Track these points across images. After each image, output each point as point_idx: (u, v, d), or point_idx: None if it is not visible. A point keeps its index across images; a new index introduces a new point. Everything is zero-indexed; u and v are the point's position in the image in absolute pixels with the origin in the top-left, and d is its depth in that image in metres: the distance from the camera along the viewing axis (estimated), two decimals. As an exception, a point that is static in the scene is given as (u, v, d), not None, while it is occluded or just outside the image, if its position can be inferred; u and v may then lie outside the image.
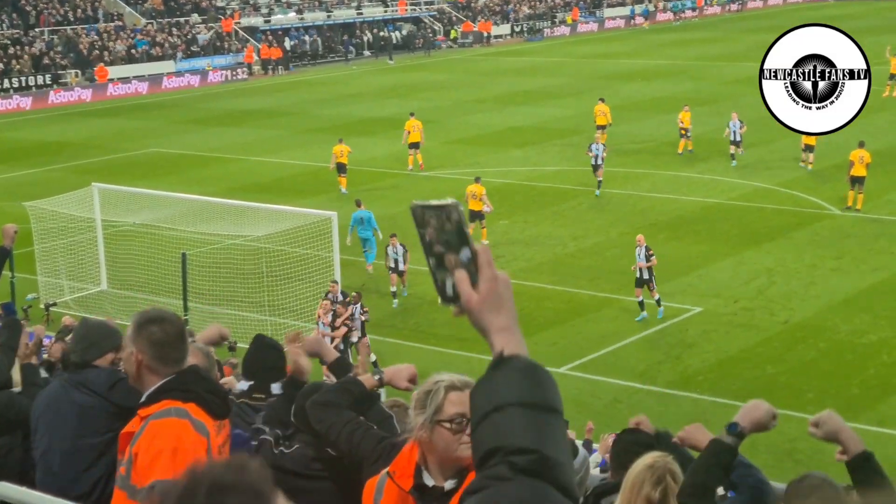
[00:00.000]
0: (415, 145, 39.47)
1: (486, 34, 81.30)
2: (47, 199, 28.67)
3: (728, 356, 22.27)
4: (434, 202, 2.38)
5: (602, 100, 43.48)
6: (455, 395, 4.27)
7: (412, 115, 40.58)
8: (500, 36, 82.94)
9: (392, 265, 26.16)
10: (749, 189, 34.53)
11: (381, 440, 5.08)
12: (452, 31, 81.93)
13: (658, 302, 24.39)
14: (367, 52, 76.15)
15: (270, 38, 72.42)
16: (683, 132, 40.00)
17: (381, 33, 77.92)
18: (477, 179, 30.77)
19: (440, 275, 2.35)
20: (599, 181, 34.40)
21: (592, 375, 21.43)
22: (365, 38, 77.54)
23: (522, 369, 2.26)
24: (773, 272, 27.15)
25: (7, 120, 54.63)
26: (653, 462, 4.80)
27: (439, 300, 2.42)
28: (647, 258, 24.48)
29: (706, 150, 40.21)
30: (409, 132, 39.54)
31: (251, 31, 73.83)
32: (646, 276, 24.41)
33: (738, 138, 37.61)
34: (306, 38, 75.28)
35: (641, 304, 24.34)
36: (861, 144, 32.03)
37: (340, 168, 36.71)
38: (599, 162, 34.22)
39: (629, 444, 6.44)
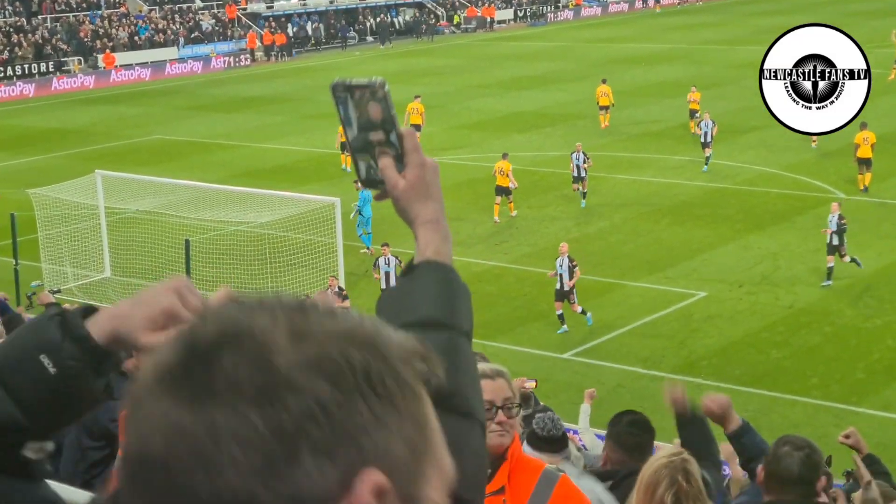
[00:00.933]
0: (416, 127, 39.59)
1: (489, 19, 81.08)
2: (51, 186, 28.66)
3: (732, 341, 22.24)
4: (358, 80, 2.14)
5: (604, 80, 43.63)
6: (484, 382, 4.25)
7: (417, 97, 40.82)
8: (504, 21, 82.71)
9: (383, 279, 23.67)
10: (753, 173, 34.45)
11: None
12: (455, 17, 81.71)
13: (583, 312, 23.06)
14: (369, 38, 75.98)
15: (273, 24, 72.30)
16: (691, 113, 40.21)
17: (385, 18, 77.75)
18: (504, 156, 31.43)
19: (361, 158, 2.13)
20: (584, 193, 31.21)
21: (596, 361, 21.41)
22: (368, 24, 77.37)
23: (436, 279, 1.96)
24: (777, 256, 27.09)
25: (10, 107, 54.59)
26: (668, 462, 4.76)
27: (358, 183, 2.22)
28: (571, 271, 22.86)
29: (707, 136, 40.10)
30: (409, 114, 39.71)
31: (254, 17, 73.72)
32: (566, 288, 22.82)
33: (709, 139, 34.78)
34: (309, 24, 75.14)
35: (561, 317, 22.95)
36: (863, 126, 31.95)
37: (345, 146, 36.99)
38: (582, 174, 31.21)
39: (628, 426, 6.42)
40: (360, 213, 28.39)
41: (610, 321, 23.45)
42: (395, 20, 78.46)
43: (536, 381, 14.26)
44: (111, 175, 29.47)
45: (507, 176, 30.46)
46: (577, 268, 23.03)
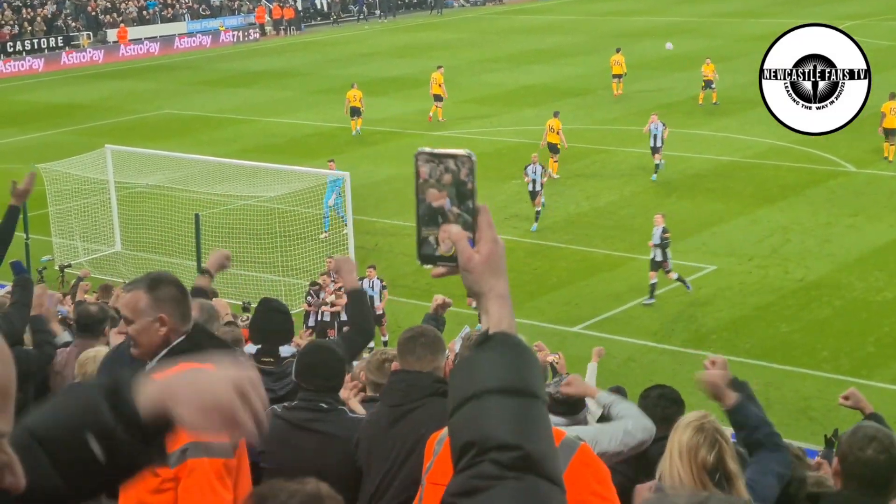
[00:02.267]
0: (437, 97, 40.12)
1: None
2: (61, 160, 28.69)
3: (742, 315, 22.23)
4: (445, 150, 2.18)
5: (618, 49, 44.31)
6: None
7: (439, 67, 41.44)
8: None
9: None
10: (764, 147, 34.33)
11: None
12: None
13: (679, 279, 23.13)
14: (378, 12, 75.69)
15: (282, -3, 72.09)
16: (704, 85, 40.19)
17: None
18: (556, 114, 32.65)
19: (428, 231, 2.16)
20: (538, 211, 27.91)
21: (606, 334, 21.41)
22: (377, -2, 77.08)
23: (509, 349, 2.10)
24: (787, 230, 27.03)
25: (20, 82, 54.60)
26: (700, 424, 4.74)
27: (418, 258, 2.21)
28: (664, 243, 22.72)
29: (721, 107, 40.00)
30: (432, 84, 40.44)
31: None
32: (658, 258, 22.81)
33: (658, 143, 31.43)
34: (318, -3, 74.93)
35: (653, 287, 22.99)
36: (892, 96, 31.87)
37: (354, 111, 38.78)
38: (538, 188, 27.74)
39: (657, 399, 6.42)
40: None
41: (620, 294, 23.45)
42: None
43: (560, 354, 14.35)
44: (121, 150, 29.49)
45: (558, 133, 31.65)
46: (668, 239, 22.86)
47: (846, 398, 6.60)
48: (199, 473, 4.37)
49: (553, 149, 31.84)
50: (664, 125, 31.51)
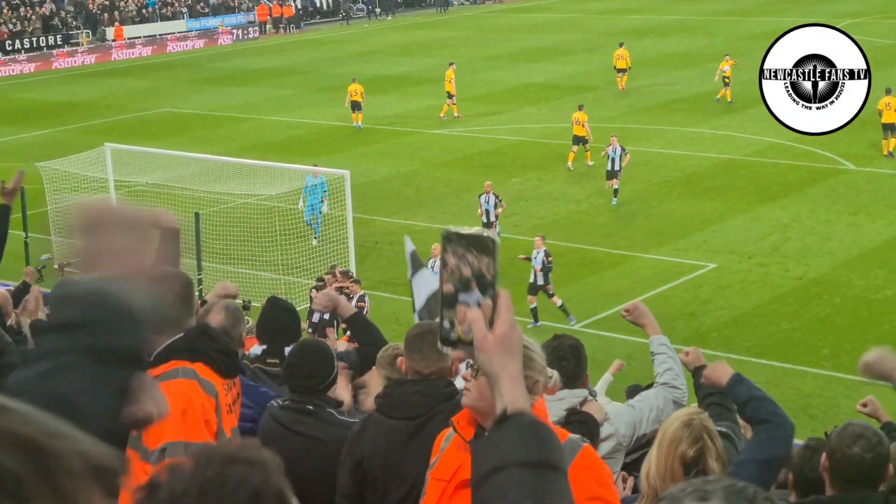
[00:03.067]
0: (448, 94, 40.40)
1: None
2: (60, 159, 28.69)
3: (742, 312, 22.21)
4: (470, 231, 2.24)
5: (622, 44, 44.66)
6: None
7: (451, 64, 41.72)
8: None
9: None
10: (764, 144, 34.31)
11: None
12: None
13: (563, 308, 22.36)
14: (378, 10, 75.61)
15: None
16: (727, 80, 40.18)
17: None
18: (580, 107, 33.48)
19: (449, 313, 2.23)
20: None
21: (607, 332, 21.39)
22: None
23: (527, 427, 2.21)
24: (788, 228, 27.02)
25: (18, 81, 54.57)
26: (689, 420, 4.76)
27: (439, 343, 2.29)
28: (545, 265, 22.06)
29: (721, 105, 40.00)
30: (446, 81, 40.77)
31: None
32: (539, 281, 22.14)
33: (616, 167, 29.19)
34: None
35: (534, 311, 22.28)
36: (888, 91, 31.90)
37: (355, 105, 39.44)
38: (492, 219, 25.84)
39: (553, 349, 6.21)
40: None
41: (621, 293, 23.42)
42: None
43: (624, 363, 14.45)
44: (120, 148, 29.47)
45: (584, 126, 32.44)
46: (551, 262, 22.07)
47: (864, 405, 6.72)
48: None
49: (580, 140, 32.69)
50: (623, 149, 29.16)
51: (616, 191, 29.40)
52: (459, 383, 6.02)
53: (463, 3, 79.55)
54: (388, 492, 5.36)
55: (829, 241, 25.96)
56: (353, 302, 21.58)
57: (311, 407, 5.83)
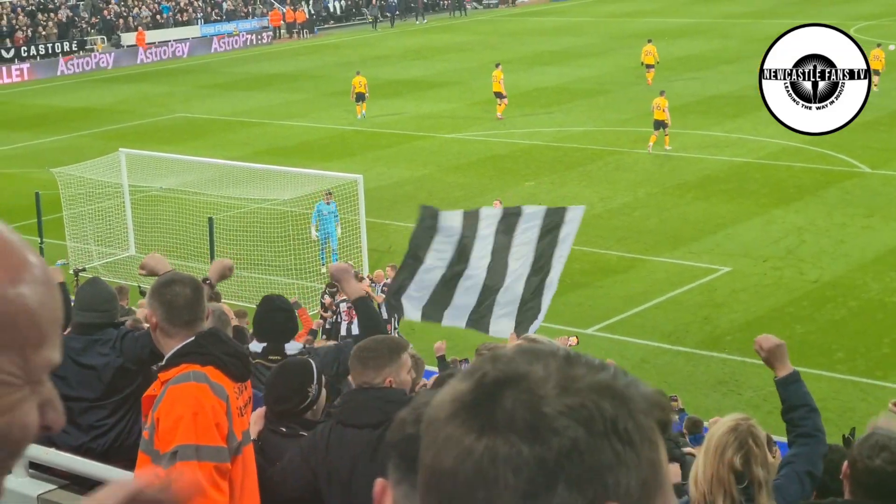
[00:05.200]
0: (497, 94, 40.74)
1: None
2: (75, 164, 28.77)
3: (757, 316, 22.14)
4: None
5: (650, 41, 45.82)
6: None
7: (498, 65, 42.17)
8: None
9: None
10: (777, 147, 34.22)
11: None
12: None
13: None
14: (389, 14, 75.60)
15: (295, 0, 72.17)
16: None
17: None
18: (662, 93, 35.00)
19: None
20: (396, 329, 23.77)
21: (620, 336, 21.37)
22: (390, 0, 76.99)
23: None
24: (802, 231, 26.94)
25: (34, 86, 54.79)
26: (735, 425, 4.74)
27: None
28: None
29: (734, 108, 39.89)
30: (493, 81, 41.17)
31: (276, -6, 73.63)
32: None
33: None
34: (330, 1, 74.94)
35: None
36: None
37: (359, 97, 41.23)
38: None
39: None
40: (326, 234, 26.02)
41: (634, 296, 23.39)
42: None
43: (578, 337, 14.66)
44: (135, 153, 29.56)
45: (664, 111, 33.89)
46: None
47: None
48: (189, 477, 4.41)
49: (660, 125, 34.17)
50: (499, 201, 24.97)
51: None
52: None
53: (476, 8, 79.55)
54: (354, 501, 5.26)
55: (844, 243, 25.87)
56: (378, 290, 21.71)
57: (284, 429, 5.79)
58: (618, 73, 46.69)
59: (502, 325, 10.81)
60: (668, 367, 19.75)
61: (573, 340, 13.62)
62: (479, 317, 10.63)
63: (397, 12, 73.88)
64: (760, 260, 25.09)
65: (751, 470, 4.64)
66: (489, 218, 10.78)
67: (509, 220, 10.80)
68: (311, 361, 6.09)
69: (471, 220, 10.65)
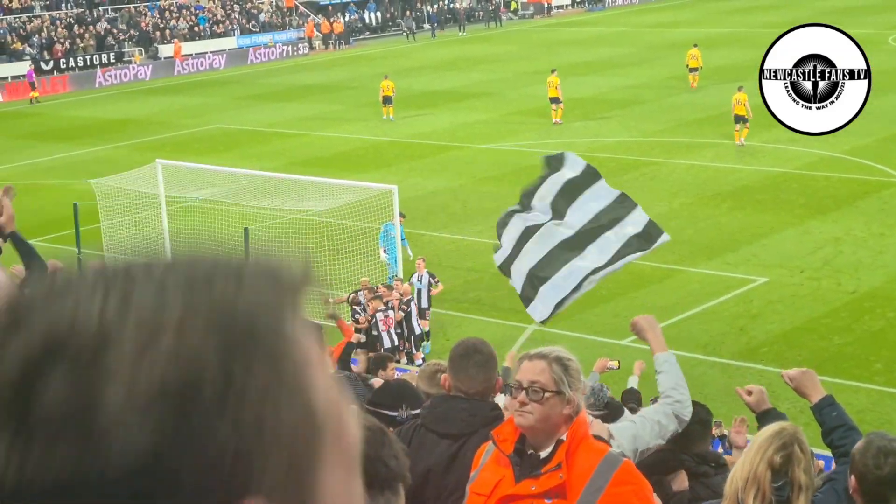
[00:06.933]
0: (554, 100, 41.46)
1: (547, 4, 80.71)
2: (112, 176, 29.02)
3: (794, 327, 21.99)
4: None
5: (696, 45, 47.02)
6: (525, 363, 4.33)
7: (554, 71, 43.01)
8: (562, 6, 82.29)
9: (415, 295, 21.95)
10: (814, 158, 34.01)
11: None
12: (513, 3, 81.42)
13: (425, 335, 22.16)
14: (426, 26, 75.85)
15: (331, 12, 72.52)
16: None
17: (451, 4, 77.48)
18: (740, 88, 35.80)
19: None
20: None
21: (655, 347, 21.26)
22: (426, 11, 77.26)
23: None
24: (840, 241, 26.74)
25: (72, 98, 55.32)
26: (781, 430, 4.73)
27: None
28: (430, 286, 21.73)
29: (771, 118, 39.60)
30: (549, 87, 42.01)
31: (312, 6, 73.99)
32: (424, 304, 21.83)
33: (424, 304, 22.35)
34: (366, 12, 75.30)
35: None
36: None
37: (386, 100, 42.75)
38: (425, 304, 22.39)
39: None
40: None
41: (669, 307, 23.28)
42: (452, 7, 78.17)
43: (619, 361, 14.73)
44: (171, 164, 29.77)
45: (745, 105, 34.76)
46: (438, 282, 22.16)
47: None
48: None
49: (740, 119, 35.47)
50: (431, 276, 22.78)
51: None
52: (499, 400, 6.01)
53: (511, 18, 79.64)
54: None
55: (883, 254, 25.65)
56: (425, 282, 22.17)
57: None
58: (653, 83, 46.57)
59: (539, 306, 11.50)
60: (703, 378, 19.64)
61: (614, 364, 13.69)
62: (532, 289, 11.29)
63: (436, 23, 74.02)
64: (797, 270, 24.92)
65: (792, 471, 4.59)
66: (605, 193, 11.27)
67: (617, 210, 11.35)
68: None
69: (592, 177, 11.24)
